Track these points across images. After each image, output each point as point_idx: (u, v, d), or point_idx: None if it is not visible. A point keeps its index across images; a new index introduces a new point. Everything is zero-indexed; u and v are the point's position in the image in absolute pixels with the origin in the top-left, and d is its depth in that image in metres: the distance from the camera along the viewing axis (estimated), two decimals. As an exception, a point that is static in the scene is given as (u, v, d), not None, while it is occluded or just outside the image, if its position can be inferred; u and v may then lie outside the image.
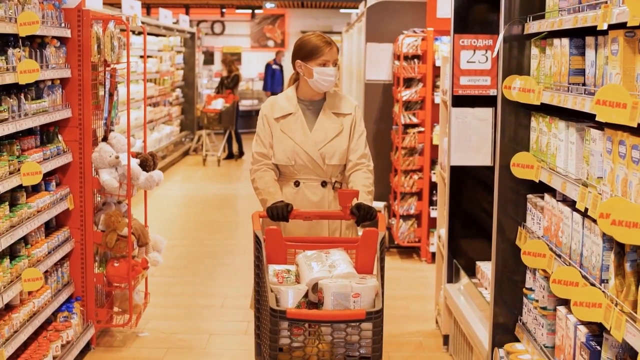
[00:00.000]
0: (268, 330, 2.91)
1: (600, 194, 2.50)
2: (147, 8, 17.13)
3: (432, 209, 6.85)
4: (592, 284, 2.56)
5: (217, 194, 10.65)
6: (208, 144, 13.48)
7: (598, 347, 2.60)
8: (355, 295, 2.94)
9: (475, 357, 4.02)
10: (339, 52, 3.68)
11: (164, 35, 12.97)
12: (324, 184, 3.70)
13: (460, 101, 4.59)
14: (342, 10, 19.23)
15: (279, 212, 3.43)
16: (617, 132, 2.39)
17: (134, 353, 4.77)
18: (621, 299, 2.35)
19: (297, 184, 3.69)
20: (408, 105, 7.01)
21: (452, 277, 4.74)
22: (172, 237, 7.56)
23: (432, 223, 6.75)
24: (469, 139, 4.58)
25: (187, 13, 18.18)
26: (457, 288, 4.64)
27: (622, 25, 2.29)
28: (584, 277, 2.64)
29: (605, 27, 2.40)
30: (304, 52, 3.65)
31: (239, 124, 13.79)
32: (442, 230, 4.95)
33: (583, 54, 2.79)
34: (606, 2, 2.44)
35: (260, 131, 3.74)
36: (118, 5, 11.95)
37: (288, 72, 18.02)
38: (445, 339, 4.82)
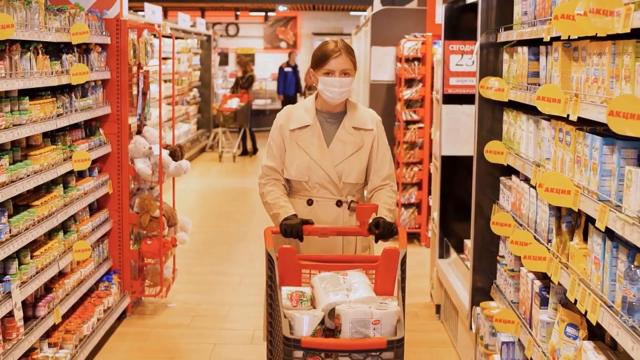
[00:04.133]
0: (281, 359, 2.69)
1: (546, 171, 3.14)
2: (165, 11, 17.78)
3: (431, 197, 7.45)
4: (541, 243, 3.20)
5: (232, 187, 11.33)
6: (224, 141, 14.12)
7: (547, 295, 3.24)
8: (375, 322, 2.73)
9: (460, 318, 4.66)
10: (354, 61, 3.40)
11: (182, 38, 13.63)
12: (339, 203, 3.44)
13: (450, 99, 5.26)
14: (352, 13, 19.81)
15: (293, 231, 3.21)
16: (558, 122, 3.03)
17: (164, 320, 5.44)
18: (559, 252, 2.99)
19: (310, 202, 3.45)
20: (409, 104, 7.66)
21: (443, 254, 5.39)
22: (193, 225, 8.14)
23: (431, 211, 7.36)
24: (457, 132, 5.24)
25: (202, 16, 18.81)
26: (447, 263, 5.28)
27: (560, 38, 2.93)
28: (536, 239, 3.28)
29: (549, 39, 3.04)
30: (314, 60, 3.44)
31: (252, 122, 14.41)
32: (435, 213, 5.60)
33: (538, 60, 3.42)
34: (550, 20, 3.07)
35: (272, 142, 3.50)
36: (137, 9, 12.66)
37: (302, 72, 18.64)
38: (437, 308, 5.46)
